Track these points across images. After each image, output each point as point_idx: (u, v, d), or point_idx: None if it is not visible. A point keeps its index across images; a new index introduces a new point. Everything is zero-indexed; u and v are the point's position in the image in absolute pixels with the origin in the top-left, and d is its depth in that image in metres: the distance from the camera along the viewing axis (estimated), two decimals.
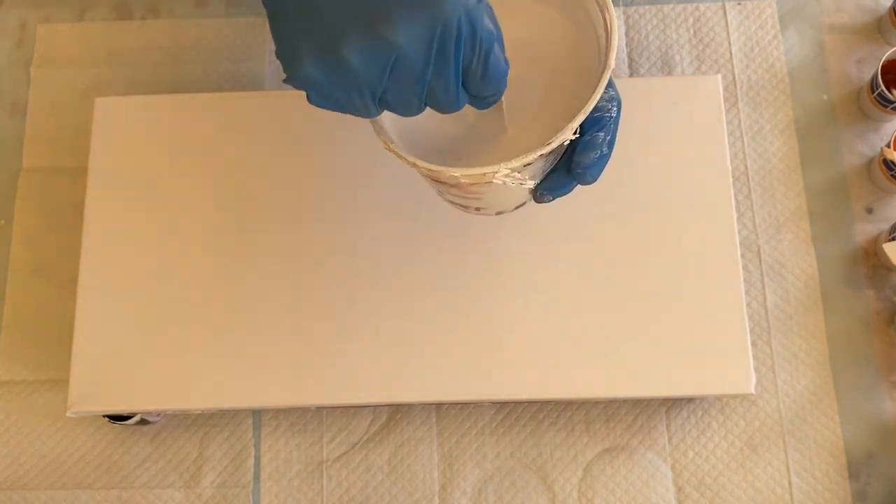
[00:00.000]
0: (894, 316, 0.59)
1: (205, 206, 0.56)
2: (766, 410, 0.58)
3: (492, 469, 0.57)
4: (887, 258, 0.57)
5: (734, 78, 0.64)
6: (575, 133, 0.41)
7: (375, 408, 0.59)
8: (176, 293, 0.54)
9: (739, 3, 0.66)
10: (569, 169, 0.44)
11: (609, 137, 0.44)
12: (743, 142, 0.63)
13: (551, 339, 0.53)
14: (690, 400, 0.58)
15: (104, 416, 0.56)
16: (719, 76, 0.57)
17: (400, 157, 0.41)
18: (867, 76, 0.64)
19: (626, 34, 0.66)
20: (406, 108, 0.38)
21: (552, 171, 0.45)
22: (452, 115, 0.40)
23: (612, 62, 0.40)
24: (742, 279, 0.53)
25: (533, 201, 0.47)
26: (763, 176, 0.62)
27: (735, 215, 0.54)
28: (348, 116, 0.40)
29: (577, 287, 0.53)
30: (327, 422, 0.59)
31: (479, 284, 0.54)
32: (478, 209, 0.49)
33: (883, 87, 0.59)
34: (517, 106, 0.44)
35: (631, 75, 0.65)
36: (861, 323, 0.59)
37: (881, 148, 0.59)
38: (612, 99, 0.44)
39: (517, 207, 0.49)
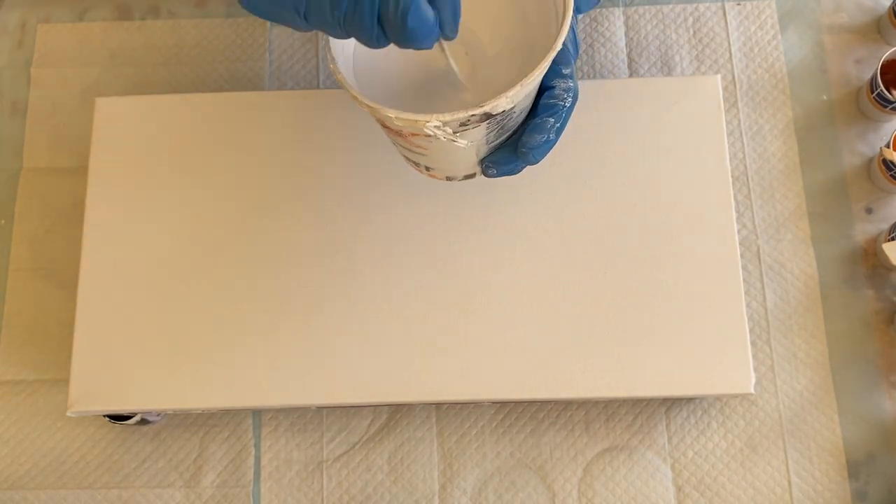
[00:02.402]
0: (894, 316, 0.59)
1: (205, 206, 0.56)
2: (765, 410, 0.58)
3: (492, 469, 0.58)
4: (887, 258, 0.57)
5: (734, 78, 0.65)
6: (527, 113, 0.44)
7: (375, 408, 0.59)
8: (176, 293, 0.54)
9: (739, 4, 0.66)
10: (517, 148, 0.46)
11: (558, 125, 0.46)
12: (742, 142, 0.63)
13: (551, 339, 0.53)
14: (690, 400, 0.58)
15: (104, 416, 0.57)
16: (719, 76, 0.57)
17: (344, 86, 0.42)
18: (866, 76, 0.64)
19: (626, 34, 0.66)
20: (329, 31, 0.39)
21: (502, 146, 0.47)
22: (415, 75, 0.43)
23: (559, 44, 0.42)
24: (742, 279, 0.53)
25: (482, 175, 0.49)
26: (762, 176, 0.62)
27: (735, 215, 0.55)
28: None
29: (576, 287, 0.54)
30: (327, 422, 0.59)
31: (480, 285, 0.54)
32: (428, 169, 0.50)
33: (882, 87, 0.59)
34: (486, 83, 0.46)
35: (631, 75, 0.65)
36: (861, 323, 0.59)
37: (880, 148, 0.59)
38: (568, 90, 0.45)
39: (466, 177, 0.50)
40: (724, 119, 0.56)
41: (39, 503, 0.58)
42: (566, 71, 0.45)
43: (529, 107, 0.46)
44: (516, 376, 0.52)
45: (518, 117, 0.45)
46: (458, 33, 0.41)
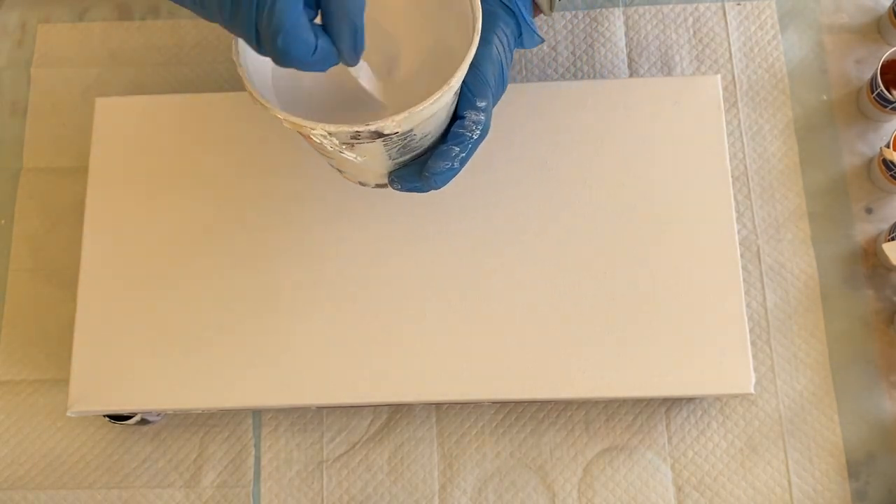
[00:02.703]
0: (894, 316, 0.59)
1: (205, 206, 0.56)
2: (765, 410, 0.58)
3: (492, 469, 0.58)
4: (887, 258, 0.57)
5: (734, 78, 0.65)
6: (438, 136, 0.45)
7: (375, 408, 0.59)
8: (176, 293, 0.54)
9: (739, 4, 0.66)
10: (422, 169, 0.47)
11: (464, 155, 0.47)
12: (742, 142, 0.63)
13: (551, 339, 0.53)
14: (690, 400, 0.58)
15: (104, 416, 0.57)
16: (719, 76, 0.57)
17: (243, 81, 0.42)
18: (866, 76, 0.64)
19: (626, 34, 0.66)
20: (213, 18, 0.37)
21: (410, 164, 0.48)
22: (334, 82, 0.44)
23: (454, 83, 0.41)
24: (742, 279, 0.53)
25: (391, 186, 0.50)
26: (763, 176, 0.62)
27: (735, 215, 0.55)
28: None
29: (577, 287, 0.54)
30: (327, 422, 0.59)
31: (480, 285, 0.54)
32: (341, 171, 0.51)
33: (882, 88, 0.59)
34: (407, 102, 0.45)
35: (631, 75, 0.65)
36: (861, 323, 0.59)
37: (880, 148, 0.59)
38: (479, 122, 0.46)
39: (378, 186, 0.51)
40: (724, 119, 0.56)
41: (39, 503, 0.58)
42: (481, 104, 0.46)
43: (440, 131, 0.47)
44: (516, 376, 0.52)
45: (423, 140, 0.46)
46: (385, 52, 0.41)
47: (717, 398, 0.58)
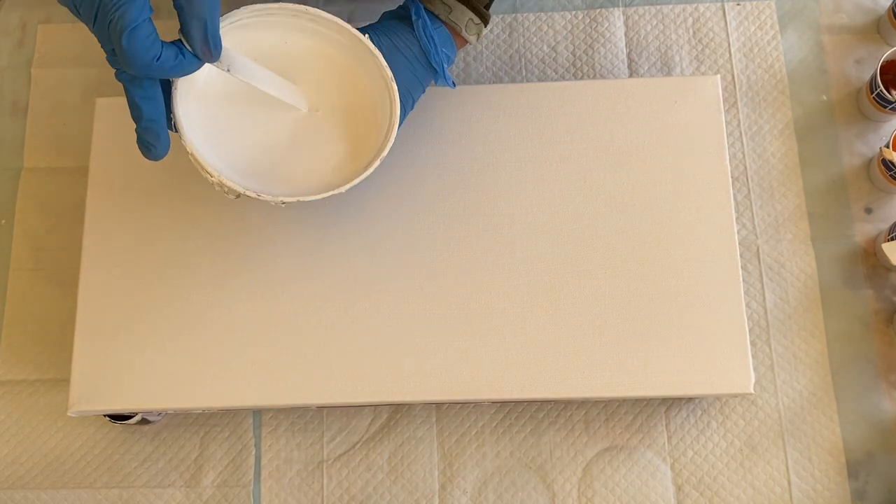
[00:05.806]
0: (893, 316, 0.59)
1: (204, 206, 0.56)
2: (765, 410, 0.58)
3: (492, 468, 0.58)
4: (886, 258, 0.57)
5: (733, 78, 0.65)
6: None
7: (375, 407, 0.59)
8: (176, 293, 0.55)
9: (739, 4, 0.66)
10: None
11: None
12: (742, 142, 0.63)
13: (551, 339, 0.53)
14: (690, 399, 0.58)
15: (105, 416, 0.57)
16: (718, 77, 0.57)
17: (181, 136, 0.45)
18: (866, 76, 0.64)
19: (626, 34, 0.66)
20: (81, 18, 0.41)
21: None
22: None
23: (351, 184, 0.47)
24: (741, 279, 0.53)
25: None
26: (762, 176, 0.62)
27: (734, 215, 0.55)
28: None
29: (576, 287, 0.54)
30: (327, 421, 0.59)
31: (480, 285, 0.54)
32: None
33: (882, 88, 0.59)
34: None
35: (631, 75, 0.65)
36: (860, 323, 0.59)
37: (880, 148, 0.59)
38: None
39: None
40: (723, 119, 0.56)
41: (40, 503, 0.58)
42: None
43: None
44: (516, 376, 0.52)
45: None
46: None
47: (717, 398, 0.58)
